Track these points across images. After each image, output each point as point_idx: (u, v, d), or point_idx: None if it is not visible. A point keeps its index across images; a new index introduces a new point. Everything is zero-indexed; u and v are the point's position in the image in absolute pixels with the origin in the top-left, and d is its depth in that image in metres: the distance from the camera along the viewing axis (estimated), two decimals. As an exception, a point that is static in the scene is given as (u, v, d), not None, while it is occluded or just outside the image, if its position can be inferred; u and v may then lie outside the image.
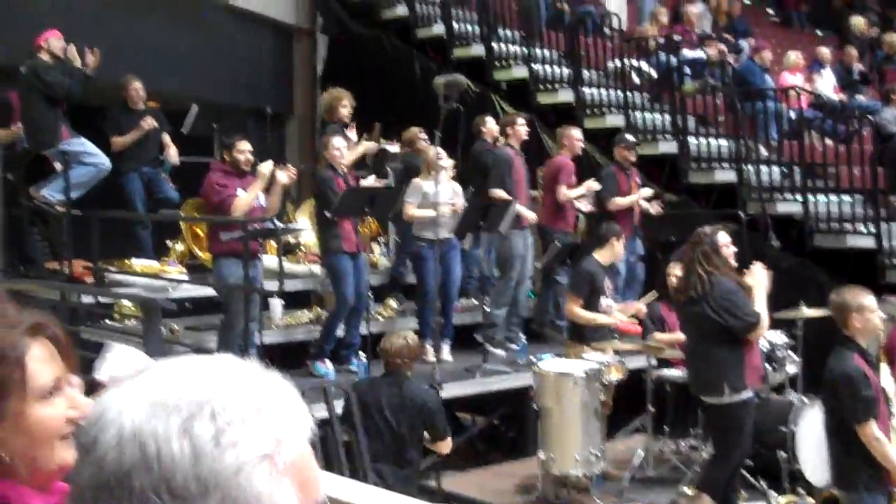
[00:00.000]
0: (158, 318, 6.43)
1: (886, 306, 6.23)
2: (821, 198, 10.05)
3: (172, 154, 9.42)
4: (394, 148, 9.83)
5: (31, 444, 1.61)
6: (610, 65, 12.19)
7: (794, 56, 13.25)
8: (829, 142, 11.02)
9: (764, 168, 10.52)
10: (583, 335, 7.77)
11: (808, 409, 6.95)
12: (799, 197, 10.08)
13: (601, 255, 7.93)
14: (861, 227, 9.70)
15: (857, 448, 5.27)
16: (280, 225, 8.01)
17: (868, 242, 9.56)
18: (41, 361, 1.63)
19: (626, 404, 7.74)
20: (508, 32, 12.59)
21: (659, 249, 9.58)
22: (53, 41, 8.29)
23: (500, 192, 8.83)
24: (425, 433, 6.26)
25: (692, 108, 11.56)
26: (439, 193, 8.11)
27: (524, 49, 12.12)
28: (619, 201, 9.43)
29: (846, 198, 10.11)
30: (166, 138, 9.45)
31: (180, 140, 9.66)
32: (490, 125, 9.43)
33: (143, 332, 6.55)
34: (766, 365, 7.14)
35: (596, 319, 7.74)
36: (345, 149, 8.08)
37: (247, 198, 7.38)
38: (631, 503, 7.11)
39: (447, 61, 11.98)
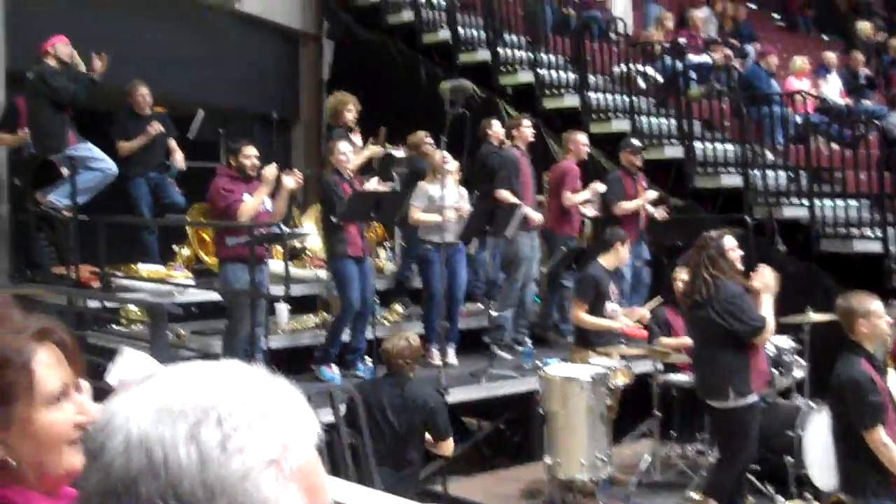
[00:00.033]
0: (165, 323, 6.44)
1: (893, 311, 6.23)
2: (827, 202, 10.05)
3: (179, 159, 9.44)
4: (399, 152, 9.84)
5: (39, 449, 1.61)
6: (616, 69, 12.19)
7: (800, 61, 13.24)
8: (835, 146, 11.00)
9: (770, 172, 10.51)
10: (588, 340, 7.77)
11: (814, 414, 6.94)
12: (805, 201, 10.07)
13: (606, 260, 7.93)
14: (868, 232, 9.69)
15: (865, 453, 5.25)
16: (286, 230, 8.02)
17: (875, 247, 9.54)
18: (48, 367, 1.63)
19: (632, 409, 7.72)
20: (514, 37, 12.60)
21: (665, 254, 9.58)
22: (60, 47, 8.31)
23: (506, 194, 8.84)
24: (427, 435, 6.25)
25: (698, 112, 11.55)
26: (445, 197, 8.12)
27: (530, 54, 12.12)
28: (625, 206, 9.43)
29: (853, 202, 10.11)
30: (173, 143, 9.47)
31: (187, 145, 9.68)
32: (496, 128, 9.45)
33: (149, 337, 6.55)
34: (773, 369, 7.14)
35: (601, 324, 7.75)
36: (351, 153, 8.08)
37: (253, 203, 7.39)
38: (637, 508, 7.11)
39: (453, 66, 11.99)
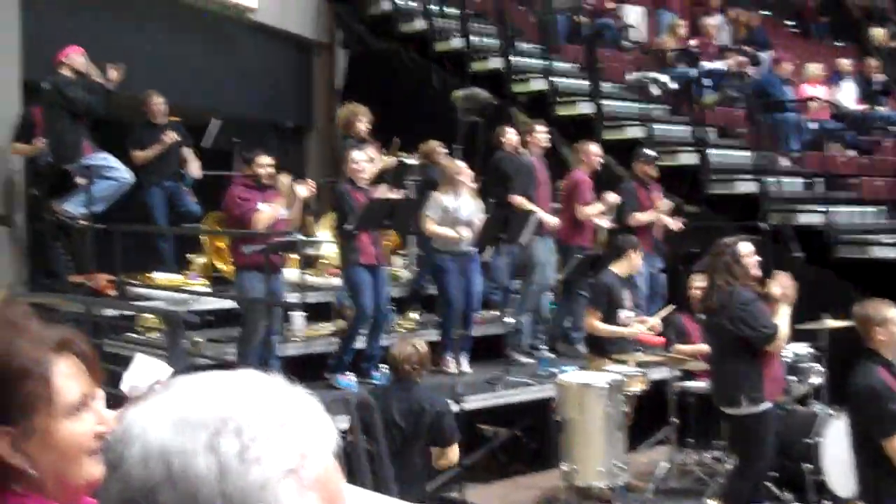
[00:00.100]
0: (181, 331, 6.45)
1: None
2: (843, 209, 10.01)
3: (194, 168, 9.47)
4: (412, 160, 9.85)
5: (59, 459, 1.61)
6: (629, 77, 12.19)
7: (814, 67, 13.21)
8: (850, 153, 10.97)
9: (785, 179, 10.49)
10: (602, 348, 7.76)
11: (832, 421, 6.90)
12: (821, 208, 10.04)
13: (619, 268, 7.92)
14: (884, 238, 9.65)
15: (883, 461, 5.23)
16: (301, 238, 8.03)
17: (891, 253, 9.50)
18: (68, 377, 1.64)
19: (649, 416, 7.70)
20: (527, 45, 12.61)
21: (680, 261, 9.55)
22: (75, 57, 8.36)
23: (520, 200, 8.83)
24: (433, 443, 6.24)
25: (712, 119, 11.54)
26: (460, 209, 8.10)
27: (543, 62, 12.13)
28: (639, 217, 9.37)
29: (869, 208, 10.08)
30: (188, 152, 9.50)
31: (202, 154, 9.71)
32: (510, 136, 9.44)
33: (166, 345, 6.57)
34: (791, 376, 7.10)
35: (615, 332, 7.73)
36: (365, 163, 8.08)
37: (269, 213, 7.42)
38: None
39: (465, 75, 12.00)
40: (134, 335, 8.20)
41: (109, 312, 8.13)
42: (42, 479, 1.60)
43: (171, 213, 9.35)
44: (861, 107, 12.97)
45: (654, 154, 9.83)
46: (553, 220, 9.09)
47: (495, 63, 12.19)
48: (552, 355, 8.88)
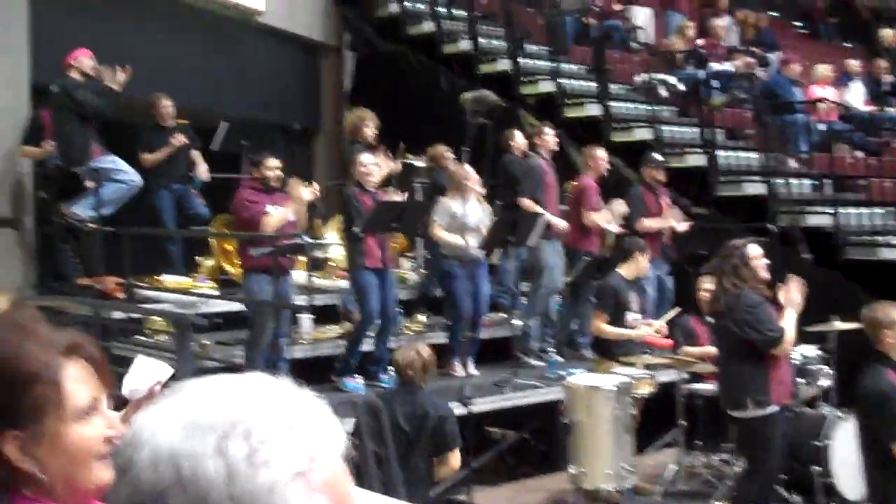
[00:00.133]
0: (190, 334, 6.46)
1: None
2: (852, 210, 9.99)
3: (202, 171, 9.49)
4: (420, 162, 9.85)
5: (69, 463, 1.62)
6: (637, 78, 12.18)
7: (823, 69, 13.18)
8: (859, 154, 10.95)
9: (794, 181, 10.47)
10: (609, 351, 7.75)
11: (841, 423, 6.88)
12: (830, 209, 10.02)
13: (625, 270, 7.92)
14: (893, 240, 9.62)
15: (892, 464, 5.22)
16: (309, 240, 8.04)
17: (900, 255, 9.48)
18: (77, 381, 1.64)
19: (657, 418, 7.69)
20: (535, 47, 12.60)
21: (689, 263, 9.53)
22: (83, 59, 8.38)
23: (528, 202, 8.82)
24: (435, 447, 6.24)
25: (721, 121, 11.52)
26: (467, 214, 8.09)
27: (551, 64, 12.13)
28: (647, 224, 9.33)
29: (878, 210, 10.05)
30: (196, 155, 9.52)
31: (210, 157, 9.73)
32: (518, 139, 9.44)
33: (174, 348, 6.58)
34: (799, 378, 7.09)
35: (621, 334, 7.73)
36: (373, 166, 8.08)
37: (277, 217, 7.44)
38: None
39: (474, 77, 12.00)
40: (142, 338, 8.21)
41: (118, 315, 8.15)
42: (51, 483, 1.61)
43: (180, 216, 9.36)
44: (870, 108, 12.94)
45: (661, 159, 9.80)
46: (562, 224, 9.08)
47: (503, 65, 12.20)
48: (560, 359, 8.86)
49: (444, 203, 8.41)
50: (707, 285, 7.34)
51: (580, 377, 7.22)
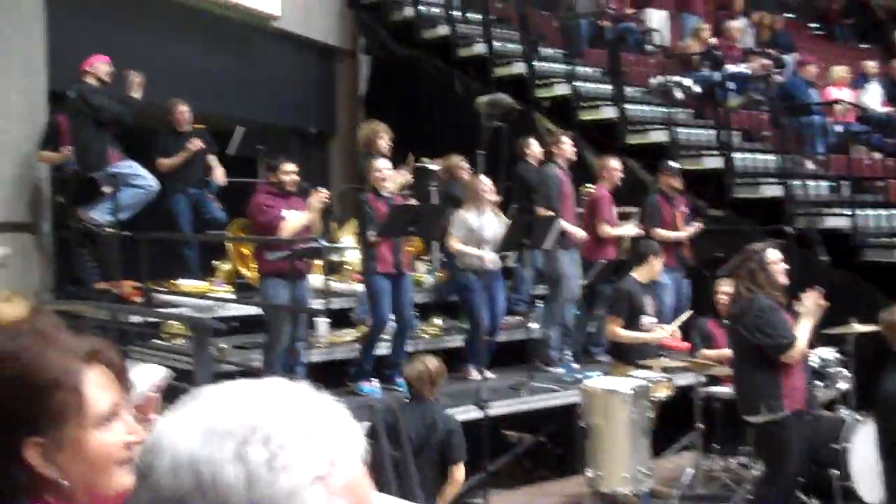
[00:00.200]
0: (208, 339, 6.48)
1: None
2: (869, 212, 9.95)
3: (219, 175, 9.53)
4: (434, 166, 9.85)
5: (90, 469, 1.63)
6: (652, 81, 12.16)
7: (840, 70, 13.13)
8: (876, 155, 10.90)
9: (811, 183, 10.43)
10: (625, 355, 7.73)
11: (860, 426, 6.85)
12: (847, 211, 9.97)
13: (639, 273, 7.91)
14: (911, 242, 9.58)
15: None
16: (325, 244, 8.05)
17: (918, 257, 9.43)
18: (98, 387, 1.65)
19: (674, 422, 7.67)
20: (550, 50, 12.60)
21: (706, 266, 9.50)
22: (99, 66, 8.43)
23: (544, 212, 8.80)
24: (441, 459, 6.27)
25: (737, 123, 11.49)
26: (484, 226, 8.07)
27: (566, 66, 12.12)
28: (662, 233, 9.28)
29: (895, 211, 10.00)
30: (213, 160, 9.56)
31: (226, 161, 9.76)
32: (534, 147, 9.42)
33: (191, 352, 6.60)
34: (817, 381, 7.05)
35: (636, 338, 7.71)
36: (388, 171, 8.08)
37: (294, 223, 7.46)
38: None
39: (488, 80, 12.00)
40: (159, 342, 8.24)
41: (135, 319, 8.18)
42: (73, 489, 1.61)
43: (196, 220, 9.40)
44: (887, 109, 12.87)
45: (678, 166, 9.73)
46: (580, 233, 9.02)
47: (518, 68, 12.19)
48: (577, 365, 8.84)
49: (461, 216, 8.38)
50: (725, 288, 7.32)
51: (597, 380, 7.20)
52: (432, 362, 6.38)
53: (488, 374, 8.41)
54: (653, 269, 7.97)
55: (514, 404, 7.97)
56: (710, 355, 7.61)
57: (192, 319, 7.25)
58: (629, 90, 11.88)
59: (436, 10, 13.23)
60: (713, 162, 10.86)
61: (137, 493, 0.99)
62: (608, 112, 11.55)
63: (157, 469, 0.97)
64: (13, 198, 8.92)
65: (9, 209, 8.85)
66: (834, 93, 12.58)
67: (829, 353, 7.29)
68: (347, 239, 9.99)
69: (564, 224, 8.72)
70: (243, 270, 9.52)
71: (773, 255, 6.14)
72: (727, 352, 7.13)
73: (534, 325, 9.02)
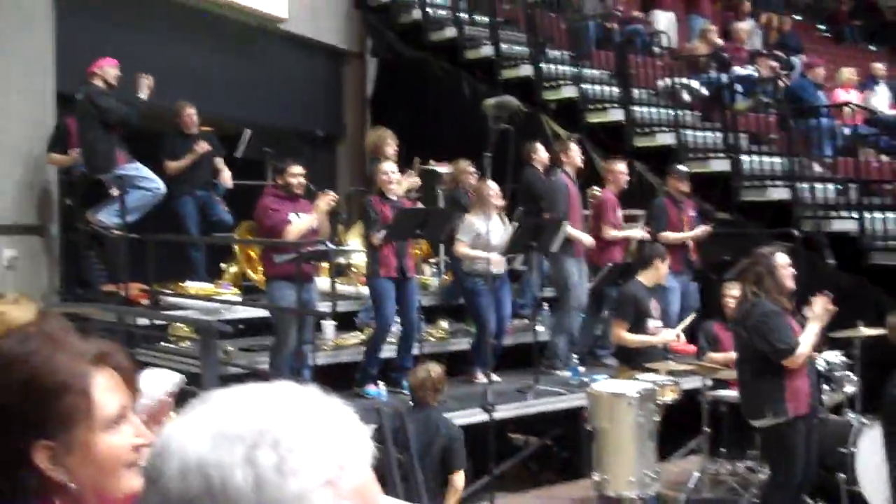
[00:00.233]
0: (215, 341, 6.49)
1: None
2: (877, 215, 9.92)
3: (226, 178, 9.53)
4: (443, 168, 9.84)
5: (99, 473, 1.63)
6: (660, 83, 12.15)
7: (848, 72, 13.10)
8: (884, 158, 10.87)
9: (818, 185, 10.41)
10: (631, 358, 7.72)
11: (867, 430, 6.83)
12: (855, 214, 9.95)
13: (645, 277, 7.90)
14: (919, 245, 9.55)
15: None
16: (332, 247, 8.06)
17: (926, 260, 9.40)
18: (106, 390, 1.65)
19: (681, 425, 7.65)
20: (557, 52, 12.59)
21: (713, 269, 9.48)
22: (107, 68, 8.44)
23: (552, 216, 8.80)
24: (442, 465, 6.27)
25: (744, 125, 11.47)
26: (490, 232, 8.08)
27: (573, 69, 12.12)
28: (668, 237, 9.26)
29: (903, 214, 9.98)
30: (220, 162, 9.56)
31: (233, 164, 9.77)
32: (541, 153, 9.41)
33: (198, 354, 6.61)
34: (824, 385, 7.03)
35: (642, 341, 7.70)
36: (395, 174, 8.08)
37: (300, 226, 7.46)
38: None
39: (496, 82, 12.00)
40: (166, 344, 8.26)
41: (142, 321, 8.20)
42: (81, 492, 1.62)
43: (203, 223, 9.40)
44: (895, 111, 12.85)
45: (686, 170, 9.72)
46: (588, 240, 9.00)
47: (525, 70, 12.19)
48: (582, 368, 8.83)
49: (469, 221, 8.37)
50: (732, 291, 7.30)
51: (603, 384, 7.19)
52: (435, 369, 6.40)
53: (494, 378, 8.41)
54: (658, 272, 7.96)
55: (520, 407, 7.97)
56: (717, 359, 7.60)
57: (199, 322, 7.27)
58: (636, 92, 11.87)
59: (443, 13, 13.23)
60: (720, 164, 10.84)
61: (146, 496, 0.99)
62: (615, 114, 11.55)
63: (165, 473, 0.97)
64: (21, 200, 8.94)
65: (17, 212, 8.88)
66: (842, 95, 12.55)
67: (835, 356, 7.27)
68: (354, 241, 9.99)
69: (572, 231, 8.70)
70: (250, 273, 9.53)
71: (782, 260, 6.12)
72: (734, 355, 7.12)
73: (540, 329, 9.00)
